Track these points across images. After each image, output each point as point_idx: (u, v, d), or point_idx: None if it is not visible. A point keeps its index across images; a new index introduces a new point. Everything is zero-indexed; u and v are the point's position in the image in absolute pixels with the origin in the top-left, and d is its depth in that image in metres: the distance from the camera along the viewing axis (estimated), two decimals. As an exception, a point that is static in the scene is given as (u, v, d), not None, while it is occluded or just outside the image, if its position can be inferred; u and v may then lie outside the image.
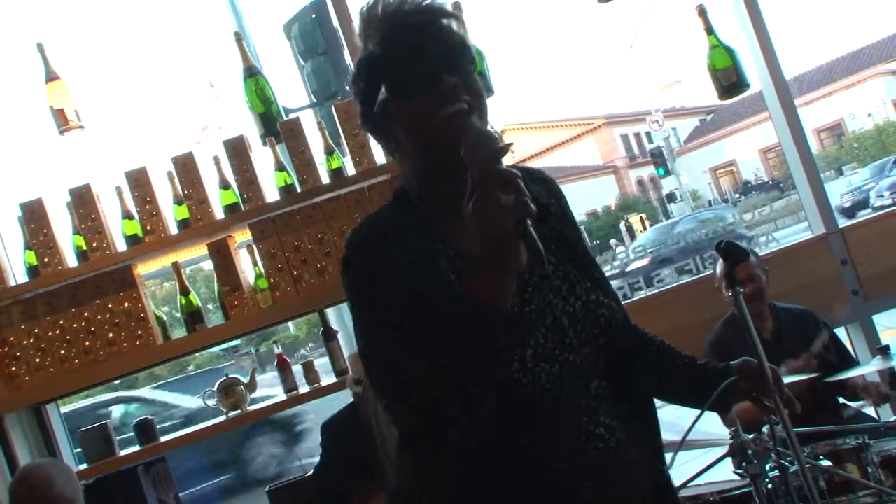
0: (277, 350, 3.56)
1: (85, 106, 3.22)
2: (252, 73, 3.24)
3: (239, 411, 3.16)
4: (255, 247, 3.11)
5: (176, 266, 3.19)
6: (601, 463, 1.26)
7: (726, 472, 2.55)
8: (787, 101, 3.55)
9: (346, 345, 3.28)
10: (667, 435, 1.43)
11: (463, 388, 1.15)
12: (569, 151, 38.06)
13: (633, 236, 24.19)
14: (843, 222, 3.71)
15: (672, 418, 1.53)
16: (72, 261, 3.08)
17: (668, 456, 1.43)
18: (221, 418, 3.19)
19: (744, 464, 2.26)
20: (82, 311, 3.03)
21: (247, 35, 4.21)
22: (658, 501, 1.35)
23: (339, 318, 3.66)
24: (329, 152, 3.15)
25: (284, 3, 4.32)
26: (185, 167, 3.10)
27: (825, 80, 33.62)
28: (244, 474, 7.71)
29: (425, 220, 1.32)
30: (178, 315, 3.24)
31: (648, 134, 35.02)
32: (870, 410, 3.34)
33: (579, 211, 30.47)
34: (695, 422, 1.57)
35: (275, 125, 3.19)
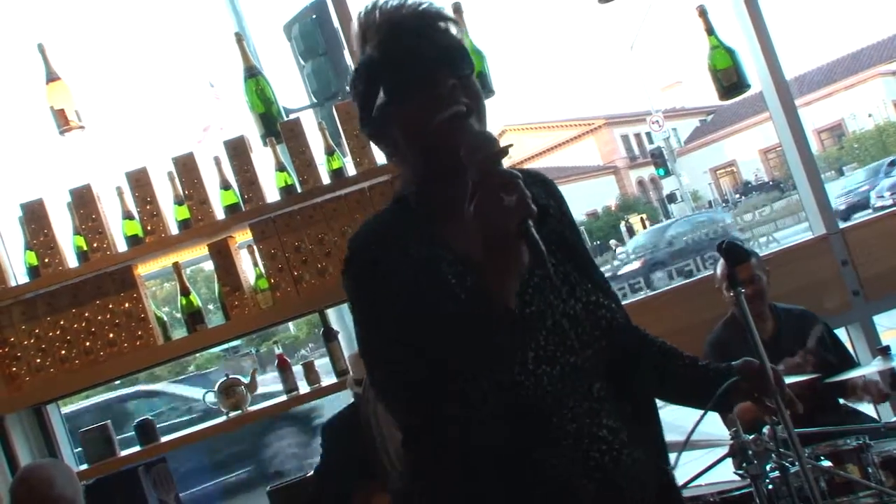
0: (278, 350, 3.56)
1: (85, 106, 3.23)
2: (252, 74, 3.24)
3: (240, 412, 3.16)
4: (255, 247, 3.11)
5: (176, 266, 3.20)
6: (604, 465, 1.26)
7: (727, 473, 2.55)
8: (788, 102, 3.55)
9: (347, 345, 3.28)
10: (668, 435, 1.43)
11: (464, 388, 1.15)
12: (569, 152, 38.05)
13: (633, 237, 24.17)
14: (840, 225, 3.70)
15: (673, 418, 1.53)
16: (72, 261, 3.09)
17: (671, 456, 1.43)
18: (222, 418, 3.19)
19: (744, 464, 2.26)
20: (83, 312, 3.03)
21: (247, 35, 4.20)
22: (662, 502, 1.35)
23: (340, 318, 3.66)
24: (329, 153, 3.15)
25: (285, 4, 4.32)
26: (186, 167, 3.10)
27: (825, 80, 33.62)
28: (264, 468, 7.78)
29: (425, 223, 1.32)
30: (179, 315, 3.24)
31: (649, 134, 34.99)
32: (870, 410, 3.34)
33: (579, 211, 30.48)
34: (698, 422, 1.57)
35: (275, 125, 3.19)
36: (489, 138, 1.20)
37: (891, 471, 2.43)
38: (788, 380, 1.57)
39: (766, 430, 2.28)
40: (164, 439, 3.18)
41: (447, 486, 1.26)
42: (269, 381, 4.55)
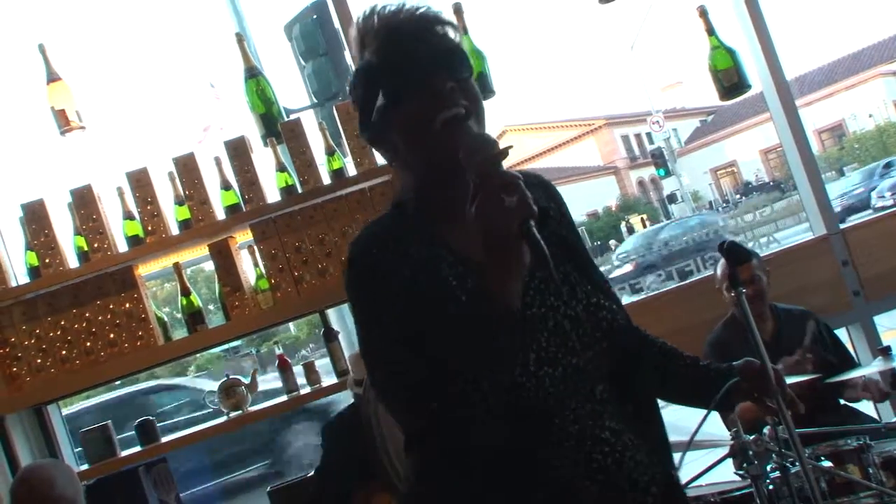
0: (278, 351, 3.56)
1: (86, 107, 3.23)
2: (253, 74, 3.24)
3: (240, 412, 3.16)
4: (255, 247, 3.11)
5: (177, 267, 3.20)
6: (606, 467, 1.26)
7: (727, 473, 2.55)
8: (788, 102, 3.55)
9: (347, 345, 3.29)
10: (669, 436, 1.43)
11: (465, 389, 1.15)
12: (569, 152, 38.08)
13: (622, 242, 24.12)
14: (840, 225, 3.70)
15: (674, 419, 1.52)
16: (73, 261, 3.09)
17: (675, 457, 1.43)
18: (223, 419, 3.19)
19: (745, 465, 2.26)
20: (83, 312, 3.03)
21: (248, 36, 4.21)
22: (667, 503, 1.35)
23: (340, 318, 3.66)
24: (330, 153, 3.15)
25: (285, 4, 4.33)
26: (186, 168, 3.11)
27: (826, 80, 33.63)
28: (281, 461, 7.83)
29: (424, 226, 1.32)
30: (179, 316, 3.24)
31: (649, 135, 35.01)
32: (870, 410, 3.34)
33: (580, 212, 30.51)
34: (701, 423, 1.57)
35: (276, 126, 3.19)
36: (488, 140, 1.21)
37: (891, 471, 2.43)
38: (789, 380, 1.58)
39: (766, 430, 2.28)
40: (165, 439, 3.18)
41: (450, 489, 1.26)
42: (271, 380, 4.55)
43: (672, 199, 31.39)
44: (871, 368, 2.78)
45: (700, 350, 3.16)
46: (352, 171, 3.14)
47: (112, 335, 3.03)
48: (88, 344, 3.02)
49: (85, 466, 3.08)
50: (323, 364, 3.42)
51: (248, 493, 7.71)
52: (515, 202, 1.11)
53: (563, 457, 1.24)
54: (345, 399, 3.31)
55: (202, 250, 3.23)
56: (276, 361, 3.36)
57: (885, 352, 2.73)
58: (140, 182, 3.09)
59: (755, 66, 3.56)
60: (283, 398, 3.20)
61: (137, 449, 3.12)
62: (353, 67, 1.42)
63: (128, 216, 3.09)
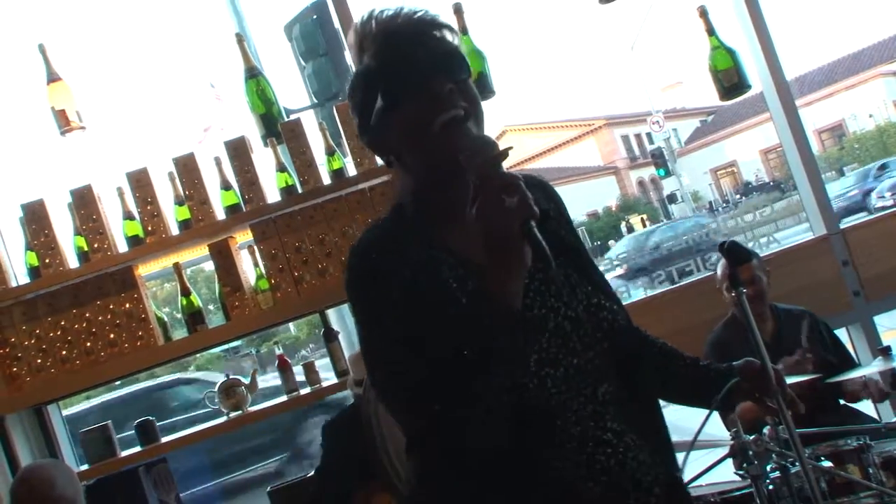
0: (278, 351, 3.56)
1: (86, 107, 3.23)
2: (253, 74, 3.24)
3: (240, 412, 3.16)
4: (256, 247, 3.11)
5: (177, 267, 3.20)
6: (609, 468, 1.26)
7: (727, 473, 2.55)
8: (789, 102, 3.55)
9: (347, 346, 3.29)
10: (671, 436, 1.43)
11: (467, 391, 1.15)
12: (569, 152, 38.08)
13: (613, 246, 24.10)
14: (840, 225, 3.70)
15: (675, 419, 1.52)
16: (73, 261, 3.09)
17: (678, 457, 1.43)
18: (223, 419, 3.19)
19: (745, 465, 2.26)
20: (83, 312, 3.03)
21: (248, 36, 4.21)
22: (670, 503, 1.35)
23: (341, 318, 3.66)
24: (330, 153, 3.15)
25: (285, 4, 4.33)
26: (187, 168, 3.11)
27: (826, 80, 33.62)
28: (299, 455, 7.87)
29: (424, 228, 1.32)
30: (179, 316, 3.24)
31: (649, 135, 35.00)
32: (870, 410, 3.34)
33: (580, 212, 30.52)
34: (703, 424, 1.58)
35: (276, 126, 3.19)
36: (488, 142, 1.21)
37: (891, 471, 2.43)
38: (789, 380, 1.58)
39: (766, 430, 2.28)
40: (165, 439, 3.19)
41: (451, 490, 1.26)
42: (271, 379, 4.56)
43: (672, 199, 31.38)
44: (871, 368, 2.78)
45: (700, 350, 3.16)
46: (352, 171, 3.14)
47: (112, 335, 3.03)
48: (88, 344, 3.02)
49: (85, 466, 3.08)
50: (323, 364, 3.42)
51: (247, 493, 7.74)
52: (516, 203, 1.12)
53: (565, 458, 1.24)
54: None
55: (202, 250, 3.23)
56: (276, 361, 3.36)
57: (885, 352, 2.73)
58: (140, 182, 3.10)
59: (755, 66, 3.56)
60: (283, 398, 3.20)
61: (137, 449, 3.12)
62: (353, 68, 1.43)
63: (128, 216, 3.09)
